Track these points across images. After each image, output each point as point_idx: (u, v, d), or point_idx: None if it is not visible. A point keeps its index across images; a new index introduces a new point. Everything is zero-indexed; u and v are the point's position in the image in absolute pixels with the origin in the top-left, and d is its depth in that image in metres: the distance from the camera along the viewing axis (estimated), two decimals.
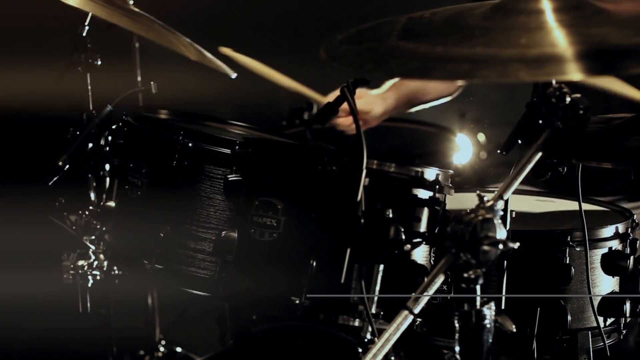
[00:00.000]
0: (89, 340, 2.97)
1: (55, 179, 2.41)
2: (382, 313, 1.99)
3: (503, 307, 1.84)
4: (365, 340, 1.98)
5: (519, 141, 1.79)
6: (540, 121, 1.74)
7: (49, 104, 2.94)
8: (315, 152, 1.99)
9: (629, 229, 2.29)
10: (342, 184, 1.94)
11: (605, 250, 2.23)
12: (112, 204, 2.27)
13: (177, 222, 2.09)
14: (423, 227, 2.00)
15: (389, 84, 3.04)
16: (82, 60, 2.59)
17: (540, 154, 1.73)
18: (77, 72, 2.61)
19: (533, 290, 2.15)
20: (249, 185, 2.03)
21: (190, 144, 2.09)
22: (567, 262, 2.15)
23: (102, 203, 2.36)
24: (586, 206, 2.23)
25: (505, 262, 1.84)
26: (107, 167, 2.36)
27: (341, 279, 1.91)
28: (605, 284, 2.23)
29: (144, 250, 2.10)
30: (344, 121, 2.96)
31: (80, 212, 2.45)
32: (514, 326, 1.69)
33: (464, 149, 3.57)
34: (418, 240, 1.98)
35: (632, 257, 2.22)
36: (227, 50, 3.01)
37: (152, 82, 2.60)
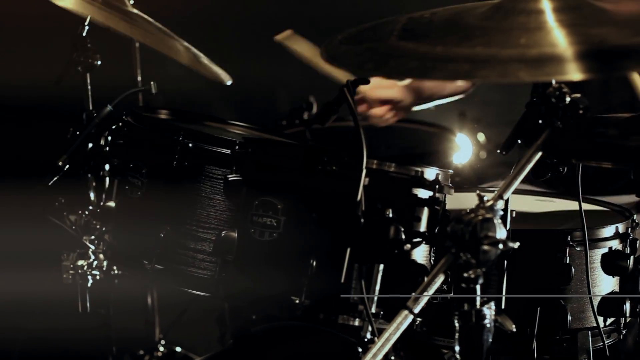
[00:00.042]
0: (88, 340, 2.97)
1: (55, 179, 2.42)
2: (382, 313, 1.99)
3: (503, 306, 1.84)
4: (365, 340, 1.98)
5: (519, 141, 1.79)
6: (540, 121, 1.75)
7: (49, 103, 2.95)
8: (315, 152, 1.99)
9: (629, 229, 2.29)
10: (342, 183, 1.94)
11: (605, 250, 2.23)
12: (112, 204, 2.27)
13: (177, 222, 2.09)
14: (423, 227, 2.00)
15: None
16: (82, 60, 2.59)
17: (540, 154, 1.73)
18: (76, 72, 2.61)
19: (533, 290, 2.15)
20: (249, 185, 2.03)
21: (190, 144, 2.09)
22: (567, 261, 2.16)
23: (102, 203, 2.36)
24: (586, 206, 2.23)
25: (505, 261, 1.84)
26: (107, 167, 2.36)
27: (341, 279, 1.91)
28: (605, 284, 2.23)
29: (144, 250, 2.10)
30: (377, 112, 2.92)
31: (80, 212, 2.45)
32: (513, 326, 1.69)
33: (463, 148, 3.57)
34: (418, 240, 1.98)
35: (632, 257, 2.22)
36: (285, 35, 2.94)
37: (152, 83, 2.60)
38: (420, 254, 2.03)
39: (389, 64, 1.73)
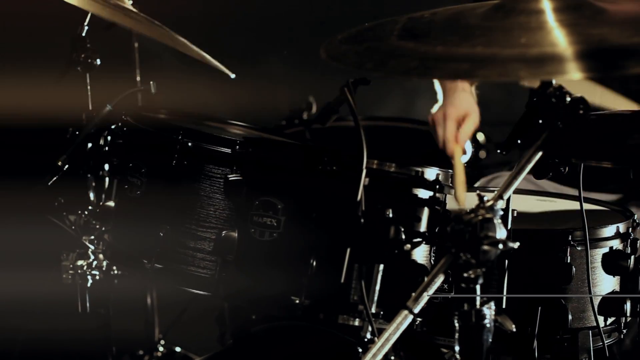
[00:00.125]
0: (88, 340, 2.97)
1: (55, 178, 2.41)
2: (382, 313, 1.99)
3: (504, 306, 1.84)
4: (365, 339, 1.98)
5: (519, 141, 1.79)
6: (540, 121, 1.75)
7: (49, 104, 2.94)
8: (315, 152, 1.99)
9: (630, 229, 2.29)
10: (342, 183, 1.94)
11: (606, 249, 2.23)
12: (111, 203, 2.27)
13: (176, 222, 2.09)
14: (423, 227, 2.00)
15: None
16: (82, 60, 2.59)
17: (540, 154, 1.73)
18: (76, 72, 2.61)
19: (534, 289, 2.15)
20: (249, 185, 2.03)
21: (190, 144, 2.09)
22: (568, 261, 2.16)
23: (101, 203, 2.36)
24: (587, 206, 2.23)
25: (506, 261, 1.84)
26: (107, 166, 2.35)
27: (341, 279, 1.91)
28: (605, 284, 2.23)
29: (144, 250, 2.10)
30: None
31: (79, 212, 2.44)
32: (513, 326, 1.69)
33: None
34: (418, 239, 1.98)
35: (632, 257, 2.22)
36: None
37: (151, 82, 2.60)
38: (420, 254, 2.03)
39: (389, 64, 1.73)
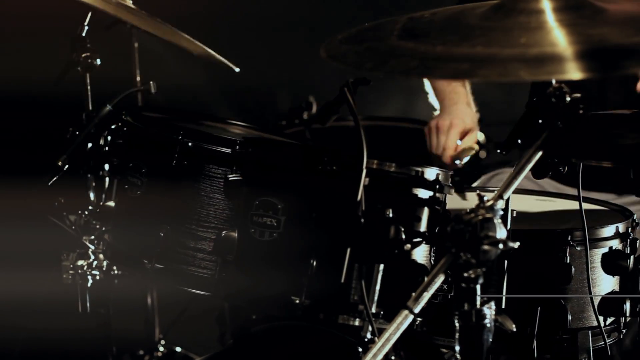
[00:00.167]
0: (88, 340, 2.97)
1: (55, 178, 2.41)
2: (382, 313, 1.99)
3: (503, 306, 1.84)
4: (366, 339, 1.98)
5: (519, 141, 1.79)
6: (540, 121, 1.75)
7: (49, 103, 2.94)
8: (315, 151, 1.99)
9: (629, 229, 2.29)
10: (342, 183, 1.94)
11: (606, 249, 2.23)
12: (111, 203, 2.27)
13: (177, 222, 2.09)
14: (423, 227, 2.00)
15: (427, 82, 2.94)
16: (82, 60, 2.59)
17: (540, 154, 1.73)
18: (76, 72, 2.61)
19: (533, 289, 2.15)
20: (249, 185, 2.03)
21: (190, 144, 2.09)
22: (568, 261, 2.16)
23: (101, 203, 2.36)
24: (586, 205, 2.23)
25: (506, 261, 1.84)
26: (107, 166, 2.35)
27: (341, 279, 1.91)
28: (605, 284, 2.24)
29: (144, 249, 2.10)
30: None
31: (79, 212, 2.44)
32: (514, 325, 1.69)
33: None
34: (418, 239, 1.98)
35: (632, 257, 2.22)
36: None
37: (151, 82, 2.60)
38: (421, 254, 2.03)
39: (389, 64, 1.73)
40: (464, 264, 1.61)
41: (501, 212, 1.65)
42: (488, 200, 1.64)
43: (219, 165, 2.07)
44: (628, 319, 2.26)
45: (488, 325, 1.64)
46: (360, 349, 1.99)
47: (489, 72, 1.61)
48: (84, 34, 2.60)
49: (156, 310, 3.35)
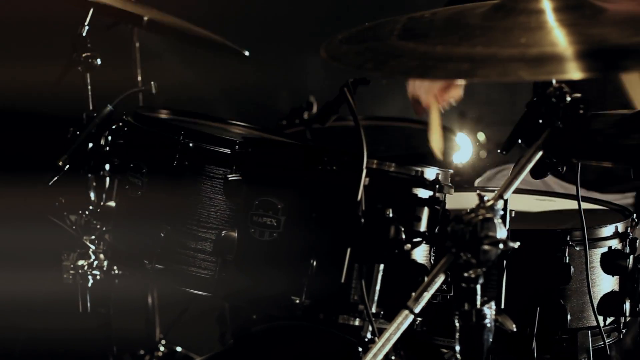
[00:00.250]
0: (89, 340, 2.97)
1: (55, 178, 2.41)
2: (382, 313, 1.99)
3: (503, 306, 1.84)
4: (366, 339, 1.98)
5: (519, 141, 1.79)
6: (540, 121, 1.75)
7: (49, 103, 2.95)
8: (315, 151, 1.99)
9: (629, 228, 2.29)
10: (342, 183, 1.94)
11: (605, 249, 2.23)
12: (112, 203, 2.27)
13: (177, 222, 2.09)
14: (423, 227, 2.00)
15: None
16: (82, 60, 2.60)
17: (540, 154, 1.73)
18: (77, 72, 2.61)
19: (533, 289, 2.15)
20: (249, 185, 2.04)
21: (190, 144, 2.09)
22: (567, 261, 2.16)
23: (102, 203, 2.36)
24: (586, 205, 2.23)
25: (505, 261, 1.84)
26: (107, 166, 2.36)
27: (341, 279, 1.91)
28: (604, 283, 2.24)
29: (144, 249, 2.10)
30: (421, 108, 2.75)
31: (80, 211, 2.45)
32: (514, 325, 1.69)
33: (463, 148, 3.57)
34: (418, 239, 1.98)
35: (631, 256, 2.22)
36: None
37: (152, 82, 2.60)
38: (421, 253, 2.03)
39: (389, 64, 1.73)
40: (464, 264, 1.61)
41: (501, 212, 1.65)
42: (488, 200, 1.65)
43: (219, 165, 2.07)
44: (627, 318, 2.26)
45: (488, 325, 1.64)
46: (360, 349, 2.00)
47: (489, 72, 1.62)
48: (84, 34, 2.60)
49: (156, 310, 3.35)
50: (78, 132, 2.41)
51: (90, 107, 2.57)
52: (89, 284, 2.43)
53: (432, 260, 2.04)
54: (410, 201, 2.00)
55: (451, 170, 2.08)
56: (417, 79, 2.62)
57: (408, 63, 1.70)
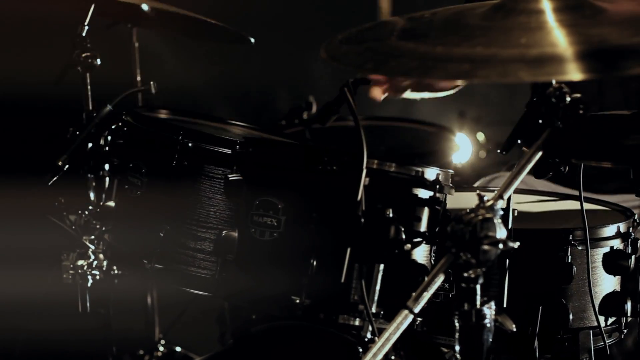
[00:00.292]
0: (88, 340, 2.97)
1: (55, 178, 2.41)
2: (382, 312, 1.99)
3: (504, 306, 1.84)
4: (366, 339, 1.98)
5: (519, 141, 1.79)
6: (540, 121, 1.75)
7: (49, 103, 2.95)
8: (315, 151, 1.99)
9: (631, 228, 2.29)
10: (343, 183, 1.94)
11: (607, 249, 2.23)
12: (111, 203, 2.27)
13: (177, 222, 2.09)
14: (423, 227, 2.00)
15: None
16: (82, 59, 2.59)
17: (540, 154, 1.73)
18: (76, 72, 2.61)
19: (534, 289, 2.15)
20: (250, 185, 2.03)
21: (190, 144, 2.09)
22: (569, 261, 2.15)
23: (101, 203, 2.36)
24: (587, 205, 2.23)
25: (507, 261, 1.84)
26: (107, 166, 2.35)
27: (341, 279, 1.91)
28: (606, 283, 2.23)
29: (144, 249, 2.10)
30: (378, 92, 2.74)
31: (79, 211, 2.44)
32: (514, 325, 1.69)
33: (463, 148, 3.57)
34: (418, 239, 1.98)
35: (633, 257, 2.22)
36: None
37: (151, 82, 2.60)
38: (421, 253, 2.03)
39: (389, 64, 1.73)
40: (464, 264, 1.61)
41: (501, 212, 1.65)
42: (488, 200, 1.64)
43: (219, 165, 2.07)
44: (629, 319, 2.26)
45: (488, 325, 1.64)
46: (360, 349, 2.00)
47: (489, 73, 1.61)
48: (84, 34, 2.60)
49: (156, 310, 3.35)
50: (77, 132, 2.41)
51: (90, 107, 2.57)
52: (89, 284, 2.43)
53: (432, 261, 2.04)
54: (410, 201, 2.00)
55: (451, 171, 2.08)
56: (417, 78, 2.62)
57: (408, 63, 1.70)
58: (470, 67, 1.63)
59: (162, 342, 3.32)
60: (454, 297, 1.67)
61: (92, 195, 2.50)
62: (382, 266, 1.96)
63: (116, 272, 2.45)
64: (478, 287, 1.62)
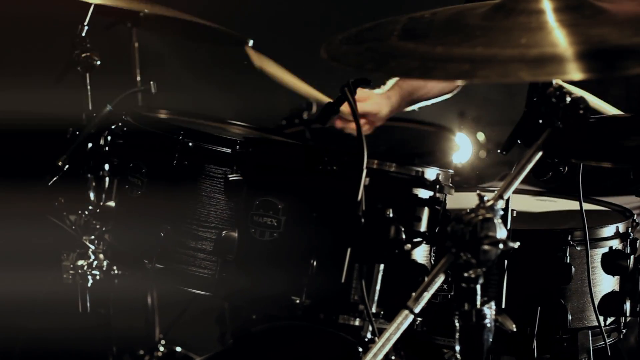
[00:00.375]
0: (89, 340, 2.97)
1: (55, 178, 2.41)
2: (382, 312, 1.99)
3: (503, 306, 1.84)
4: (366, 339, 1.98)
5: (519, 141, 1.79)
6: (541, 121, 1.75)
7: (49, 104, 2.95)
8: (315, 151, 1.99)
9: (630, 229, 2.29)
10: (343, 183, 1.94)
11: (606, 249, 2.23)
12: (111, 203, 2.27)
13: (177, 222, 2.09)
14: (423, 227, 2.00)
15: (390, 82, 3.01)
16: (81, 60, 2.59)
17: (540, 154, 1.73)
18: (76, 72, 2.61)
19: (533, 289, 2.15)
20: (250, 185, 2.03)
21: (190, 144, 2.09)
22: (568, 261, 2.16)
23: (101, 203, 2.36)
24: (587, 205, 2.23)
25: (506, 261, 1.84)
26: (107, 166, 2.36)
27: (342, 279, 1.91)
28: (605, 283, 2.24)
29: (144, 249, 2.10)
30: (352, 126, 2.87)
31: (79, 212, 2.45)
32: (514, 325, 1.69)
33: (463, 148, 3.57)
34: (418, 239, 1.98)
35: (632, 257, 2.22)
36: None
37: (151, 82, 2.60)
38: (421, 254, 2.03)
39: (389, 64, 1.73)
40: (464, 264, 1.61)
41: (501, 212, 1.65)
42: (488, 200, 1.65)
43: (219, 165, 2.07)
44: (628, 318, 2.26)
45: (488, 325, 1.64)
46: (360, 349, 2.00)
47: (490, 73, 1.61)
48: (84, 34, 2.60)
49: (156, 310, 3.35)
50: (77, 132, 2.41)
51: (90, 107, 2.57)
52: (89, 284, 2.43)
53: (432, 261, 2.04)
54: (410, 201, 2.00)
55: (451, 171, 2.08)
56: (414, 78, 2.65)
57: (408, 63, 1.70)
58: (471, 67, 1.63)
59: (162, 342, 3.32)
60: (454, 297, 1.67)
61: (92, 196, 2.50)
62: (382, 266, 1.96)
63: (116, 272, 2.45)
64: (478, 287, 1.62)
